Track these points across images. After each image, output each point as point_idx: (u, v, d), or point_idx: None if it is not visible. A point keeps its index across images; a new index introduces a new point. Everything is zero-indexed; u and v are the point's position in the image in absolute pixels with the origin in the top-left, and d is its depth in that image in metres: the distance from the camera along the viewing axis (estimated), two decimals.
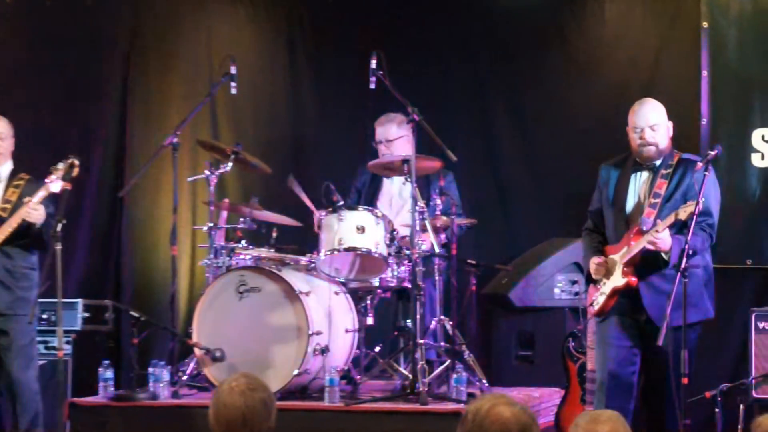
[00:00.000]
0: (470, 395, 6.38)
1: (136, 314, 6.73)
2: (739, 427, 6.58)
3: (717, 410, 6.57)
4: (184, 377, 6.85)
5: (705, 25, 7.67)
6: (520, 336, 7.77)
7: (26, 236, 6.64)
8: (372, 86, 6.86)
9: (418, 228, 6.58)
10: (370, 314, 6.98)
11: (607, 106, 7.74)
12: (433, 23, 8.39)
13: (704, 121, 7.64)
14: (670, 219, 5.67)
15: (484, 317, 7.76)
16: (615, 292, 5.92)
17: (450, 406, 6.27)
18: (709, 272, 6.01)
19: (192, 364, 6.88)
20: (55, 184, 6.48)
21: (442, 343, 7.01)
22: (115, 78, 8.78)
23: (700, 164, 5.75)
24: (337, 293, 6.85)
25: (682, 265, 5.52)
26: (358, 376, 6.77)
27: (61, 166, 6.51)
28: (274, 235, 7.12)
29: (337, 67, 8.47)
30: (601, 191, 6.15)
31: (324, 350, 6.59)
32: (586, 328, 6.75)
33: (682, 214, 5.61)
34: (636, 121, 5.99)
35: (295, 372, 6.50)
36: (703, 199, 5.61)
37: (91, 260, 8.66)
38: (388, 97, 6.91)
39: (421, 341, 6.50)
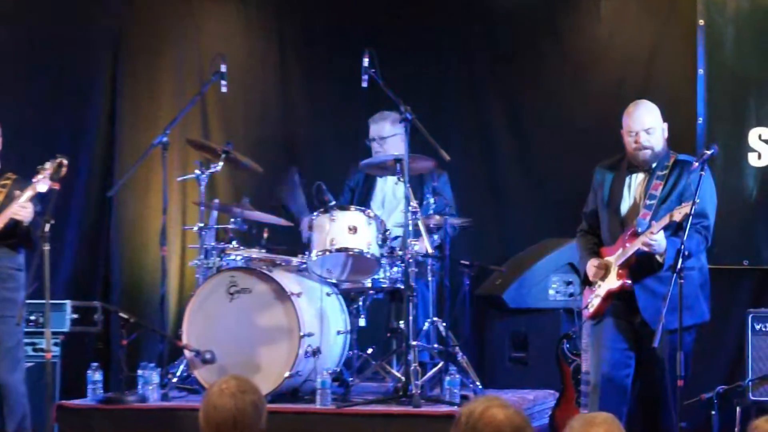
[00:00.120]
0: (464, 397, 6.36)
1: (125, 316, 6.69)
2: (736, 429, 6.59)
3: (713, 413, 6.59)
4: (174, 379, 6.81)
5: (701, 22, 7.63)
6: (513, 337, 7.72)
7: (13, 236, 6.57)
8: (364, 85, 6.82)
9: (411, 230, 6.53)
10: (363, 315, 6.95)
11: (603, 106, 7.70)
12: (431, 23, 8.33)
13: (700, 120, 7.60)
14: (665, 220, 5.64)
15: (477, 318, 7.74)
16: (610, 295, 5.88)
17: (443, 409, 6.24)
18: (704, 274, 5.99)
19: (182, 366, 6.83)
20: (42, 183, 6.40)
21: (435, 345, 6.98)
22: (104, 77, 8.71)
23: (695, 164, 5.70)
24: (329, 294, 6.81)
25: (678, 267, 5.47)
26: (351, 378, 6.74)
27: (48, 165, 6.44)
28: (266, 235, 7.11)
29: (328, 66, 8.42)
30: (596, 193, 6.10)
31: (316, 352, 6.55)
32: (580, 330, 6.72)
33: (677, 216, 5.57)
34: (631, 124, 5.93)
35: (287, 374, 6.46)
36: (698, 200, 5.56)
37: (80, 261, 8.61)
38: (382, 96, 6.86)
39: (414, 343, 6.47)
